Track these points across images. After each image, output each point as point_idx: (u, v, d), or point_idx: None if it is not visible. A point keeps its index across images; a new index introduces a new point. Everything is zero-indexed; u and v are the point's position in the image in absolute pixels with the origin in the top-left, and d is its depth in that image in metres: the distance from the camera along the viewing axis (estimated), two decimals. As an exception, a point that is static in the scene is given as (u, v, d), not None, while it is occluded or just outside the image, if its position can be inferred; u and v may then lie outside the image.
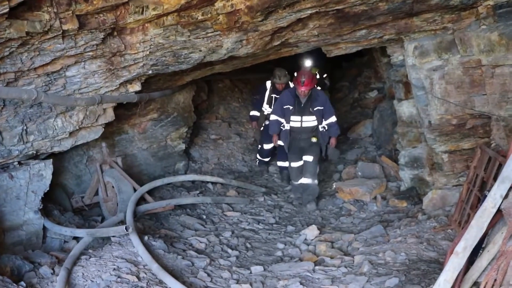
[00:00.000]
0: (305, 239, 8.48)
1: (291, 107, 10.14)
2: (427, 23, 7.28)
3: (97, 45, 5.96)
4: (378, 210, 9.55)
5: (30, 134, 7.06)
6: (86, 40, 5.75)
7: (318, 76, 13.35)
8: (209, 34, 6.48)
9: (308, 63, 13.86)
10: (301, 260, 7.56)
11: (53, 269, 6.51)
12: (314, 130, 10.32)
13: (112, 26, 5.68)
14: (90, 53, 6.12)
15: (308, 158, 10.39)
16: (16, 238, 7.40)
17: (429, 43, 7.71)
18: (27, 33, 4.93)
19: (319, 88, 11.54)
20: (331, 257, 7.53)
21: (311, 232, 8.60)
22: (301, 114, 10.16)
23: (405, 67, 8.51)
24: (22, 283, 5.94)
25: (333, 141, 10.34)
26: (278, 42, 7.44)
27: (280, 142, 10.72)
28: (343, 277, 6.70)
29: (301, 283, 6.52)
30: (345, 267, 7.03)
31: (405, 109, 9.31)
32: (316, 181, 10.53)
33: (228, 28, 6.36)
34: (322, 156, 10.75)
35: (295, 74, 10.63)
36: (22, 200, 7.46)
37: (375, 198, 9.96)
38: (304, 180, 10.49)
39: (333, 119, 10.16)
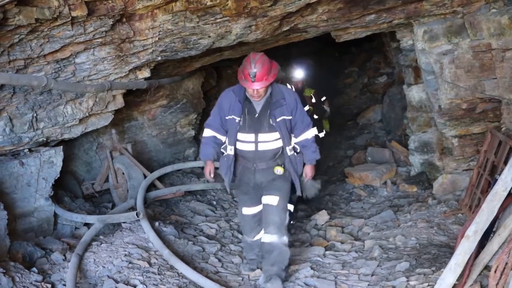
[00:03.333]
0: (316, 224, 8.51)
1: (237, 118, 5.99)
2: (437, 7, 7.24)
3: (106, 31, 5.95)
4: (388, 195, 9.56)
5: (40, 121, 7.07)
6: (95, 26, 5.74)
7: (314, 100, 9.95)
8: (218, 20, 6.46)
9: (298, 74, 9.90)
10: (311, 245, 7.58)
11: (64, 255, 6.54)
12: (278, 155, 6.18)
13: (121, 12, 5.67)
14: (99, 40, 6.11)
15: (270, 200, 6.22)
16: (27, 224, 7.42)
17: (438, 27, 7.68)
18: (36, 20, 4.93)
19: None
20: (342, 242, 7.55)
21: (321, 217, 8.62)
22: (256, 129, 6.01)
23: (415, 51, 8.47)
24: (34, 269, 5.97)
25: (308, 171, 6.32)
26: (287, 28, 7.41)
27: (222, 173, 6.35)
28: (354, 261, 6.71)
29: (311, 268, 6.52)
30: (356, 252, 7.05)
31: (414, 94, 9.28)
32: (285, 239, 6.28)
33: (237, 14, 6.34)
34: (295, 196, 7.07)
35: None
36: (33, 187, 7.48)
37: (385, 183, 9.97)
38: (266, 238, 6.30)
39: (309, 133, 6.22)
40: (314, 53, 16.66)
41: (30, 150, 7.60)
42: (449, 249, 6.39)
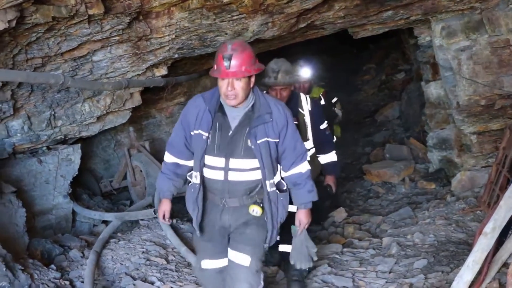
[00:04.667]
0: (333, 221, 8.48)
1: (204, 134, 4.35)
2: (454, 2, 7.19)
3: (123, 29, 5.96)
4: (406, 192, 9.52)
5: (58, 119, 7.11)
6: (112, 24, 5.76)
7: (323, 102, 8.22)
8: (235, 17, 6.46)
9: (305, 72, 8.24)
10: (329, 242, 7.56)
11: (82, 252, 6.58)
12: (256, 191, 4.50)
13: (137, 10, 5.68)
14: (116, 38, 6.13)
15: (240, 258, 4.55)
16: (46, 222, 7.47)
17: (456, 23, 7.63)
18: (53, 18, 4.95)
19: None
20: (359, 239, 7.52)
21: (339, 214, 8.61)
22: (227, 152, 4.36)
23: (433, 48, 8.43)
24: (53, 266, 6.00)
25: (303, 217, 4.61)
26: (304, 24, 7.39)
27: (189, 209, 4.71)
28: (371, 259, 6.69)
29: (329, 265, 6.51)
30: (373, 249, 7.02)
31: (433, 90, 9.23)
32: None
33: (253, 11, 6.33)
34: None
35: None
36: (51, 185, 7.53)
37: (403, 180, 9.92)
38: None
39: (303, 166, 4.56)
40: (331, 50, 16.66)
41: (48, 148, 7.65)
42: (467, 247, 6.35)
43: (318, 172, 6.38)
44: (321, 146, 6.29)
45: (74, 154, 7.77)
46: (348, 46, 16.21)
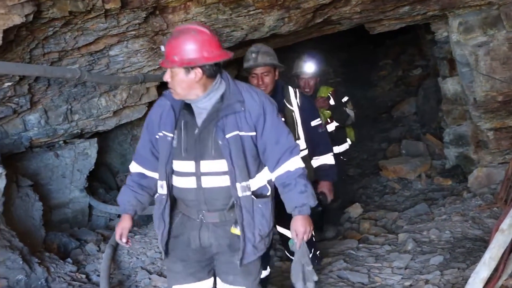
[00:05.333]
0: (349, 217, 8.47)
1: (169, 135, 3.76)
2: (472, -2, 7.17)
3: (139, 24, 5.97)
4: (423, 188, 9.49)
5: (75, 113, 7.13)
6: (129, 19, 5.76)
7: (332, 102, 7.53)
8: (251, 12, 6.45)
9: (309, 67, 7.37)
10: (344, 238, 7.56)
11: (98, 246, 6.61)
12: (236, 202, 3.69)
13: (154, 5, 5.68)
14: (133, 32, 6.13)
15: None
16: (62, 215, 7.51)
17: (474, 19, 7.59)
18: (70, 12, 4.96)
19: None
20: (375, 235, 7.52)
21: (355, 210, 8.59)
22: (197, 154, 3.70)
23: (450, 43, 8.38)
24: (69, 259, 6.05)
25: (299, 227, 3.76)
26: (321, 20, 7.37)
27: (155, 226, 4.02)
28: (387, 255, 6.68)
29: (344, 261, 6.51)
30: (389, 245, 7.01)
31: (449, 86, 9.18)
32: None
33: (270, 6, 6.32)
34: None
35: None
36: (68, 179, 7.56)
37: (419, 176, 9.90)
38: None
39: (293, 163, 3.78)
40: (347, 46, 16.61)
41: (65, 142, 7.68)
42: (483, 243, 6.33)
43: (312, 178, 5.09)
44: (315, 146, 5.43)
45: (91, 148, 7.79)
46: (364, 41, 16.12)
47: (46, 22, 4.97)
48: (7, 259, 5.21)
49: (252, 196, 3.67)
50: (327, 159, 5.53)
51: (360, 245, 7.13)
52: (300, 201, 3.71)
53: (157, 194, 3.86)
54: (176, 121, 3.70)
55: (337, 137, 7.51)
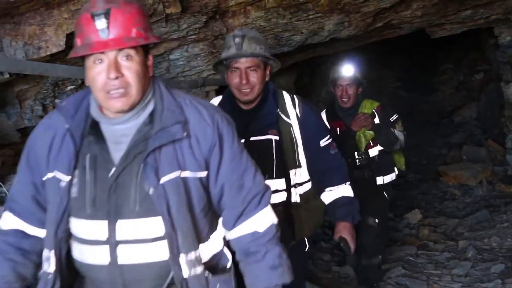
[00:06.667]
0: (408, 223, 8.40)
1: (64, 178, 2.24)
2: (537, 1, 7.06)
3: (199, 28, 6.02)
4: (484, 194, 9.34)
5: (135, 116, 7.23)
6: (189, 23, 5.82)
7: (377, 120, 5.82)
8: (311, 16, 6.45)
9: (347, 71, 5.83)
10: (403, 244, 7.50)
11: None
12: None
13: (214, 9, 5.72)
14: (193, 37, 6.19)
15: None
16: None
17: (538, 22, 7.48)
18: (132, 17, 5.04)
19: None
20: (434, 242, 7.44)
21: (414, 216, 8.52)
22: (110, 209, 2.22)
23: (513, 47, 8.28)
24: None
25: None
26: (381, 24, 7.34)
27: None
28: (447, 262, 6.62)
29: (403, 267, 6.47)
30: (449, 252, 6.94)
31: (513, 91, 9.06)
32: None
33: (330, 10, 6.31)
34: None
35: None
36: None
37: (480, 182, 9.74)
38: None
39: (261, 220, 2.43)
40: (407, 50, 16.47)
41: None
42: (547, 251, 6.24)
43: (320, 222, 3.99)
44: (325, 175, 3.84)
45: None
46: (424, 46, 15.98)
47: (108, 27, 5.05)
48: None
49: (206, 272, 2.34)
50: (346, 190, 3.86)
51: (419, 251, 7.07)
52: (270, 280, 2.40)
53: (41, 271, 2.38)
54: (77, 156, 2.27)
55: (381, 165, 5.90)
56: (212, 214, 2.45)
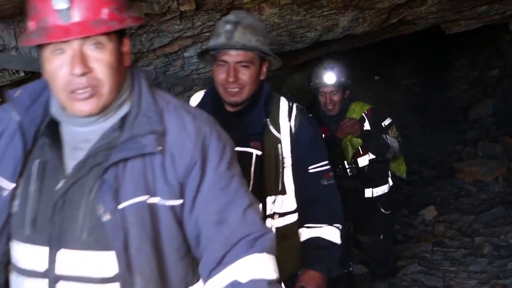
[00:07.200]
0: (423, 219, 8.38)
1: (7, 186, 1.77)
2: (553, -4, 7.01)
3: (213, 25, 6.03)
4: (500, 191, 9.30)
5: (150, 114, 7.24)
6: (203, 21, 5.81)
7: (367, 125, 5.30)
8: (325, 13, 6.43)
9: (329, 78, 5.32)
10: (418, 240, 7.48)
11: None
12: None
13: (228, 6, 5.71)
14: (207, 34, 6.17)
15: None
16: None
17: (554, 18, 7.44)
18: (146, 14, 5.04)
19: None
20: (450, 238, 7.43)
21: (429, 212, 8.49)
22: (52, 234, 1.71)
23: (529, 43, 8.23)
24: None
25: None
26: (395, 20, 7.31)
27: None
28: (463, 258, 6.61)
29: (419, 264, 6.46)
30: (465, 248, 6.93)
31: (528, 87, 9.02)
32: None
33: (344, 6, 6.29)
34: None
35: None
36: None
37: (496, 179, 9.70)
38: None
39: (244, 267, 1.72)
40: (421, 46, 16.42)
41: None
42: None
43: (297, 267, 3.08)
44: (309, 207, 3.02)
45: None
46: (439, 42, 15.92)
47: (123, 25, 5.06)
48: None
49: None
50: (329, 232, 3.00)
51: (435, 248, 7.06)
52: None
53: None
54: (25, 159, 1.80)
55: (373, 175, 5.35)
56: (193, 259, 1.86)
